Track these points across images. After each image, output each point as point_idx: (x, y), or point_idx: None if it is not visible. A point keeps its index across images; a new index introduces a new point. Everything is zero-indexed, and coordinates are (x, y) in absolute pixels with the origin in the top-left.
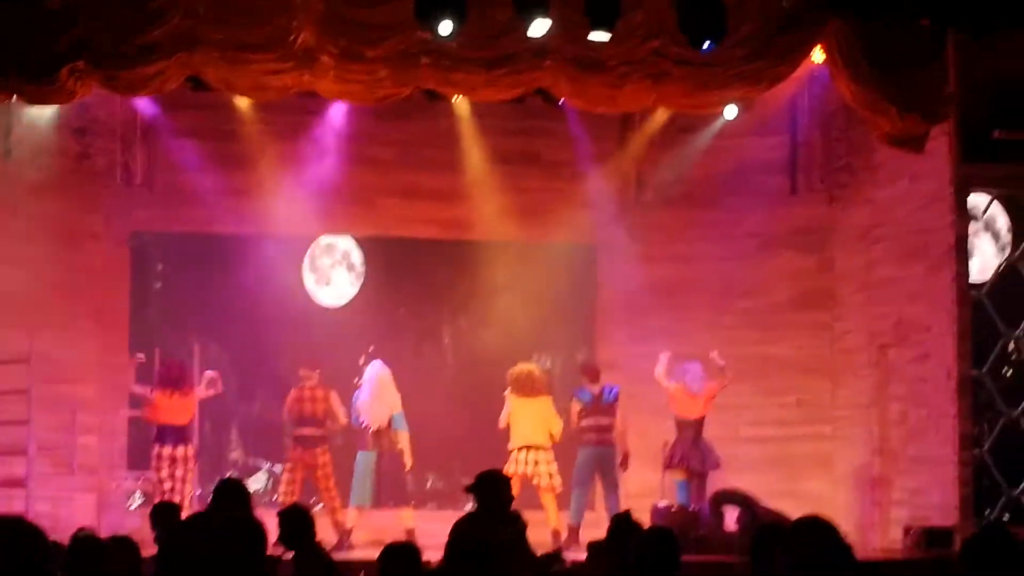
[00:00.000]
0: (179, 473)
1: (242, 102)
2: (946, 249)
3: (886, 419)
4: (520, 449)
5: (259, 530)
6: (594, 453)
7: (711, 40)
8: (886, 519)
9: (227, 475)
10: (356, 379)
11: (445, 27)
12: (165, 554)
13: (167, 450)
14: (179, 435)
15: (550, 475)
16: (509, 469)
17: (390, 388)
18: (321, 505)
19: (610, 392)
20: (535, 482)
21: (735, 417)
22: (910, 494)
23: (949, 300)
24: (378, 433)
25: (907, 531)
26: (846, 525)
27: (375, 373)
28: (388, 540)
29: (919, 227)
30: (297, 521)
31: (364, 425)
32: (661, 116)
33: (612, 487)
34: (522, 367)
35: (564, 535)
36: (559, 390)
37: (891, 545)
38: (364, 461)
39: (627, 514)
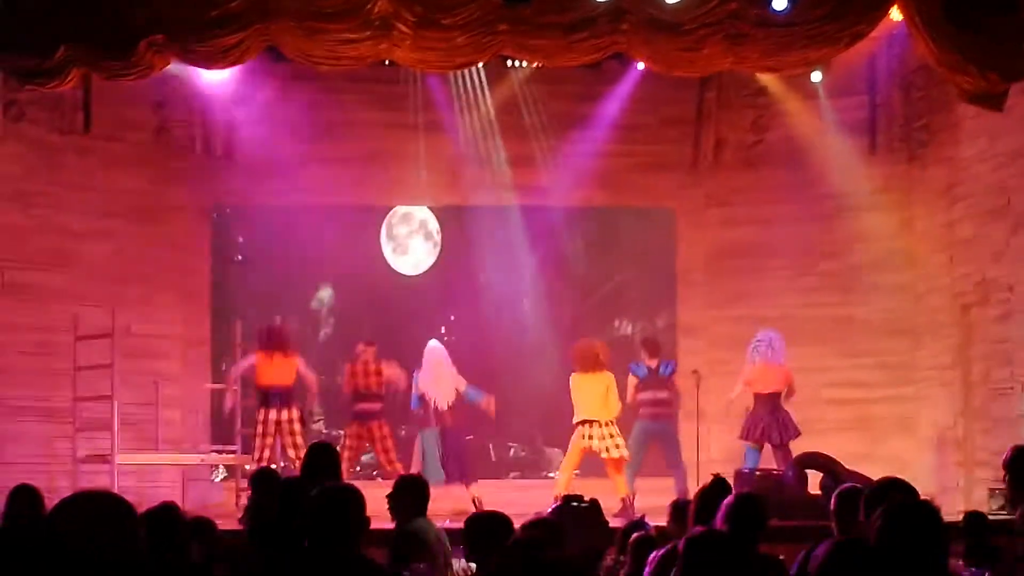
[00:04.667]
0: (287, 440)
1: (321, 72)
2: None
3: (969, 380)
4: (584, 423)
5: (357, 496)
6: (650, 427)
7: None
8: (970, 480)
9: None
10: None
11: None
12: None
13: (272, 414)
14: (283, 398)
15: (616, 446)
16: (577, 444)
17: (447, 372)
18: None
19: (666, 367)
20: (604, 455)
21: (816, 379)
22: (993, 455)
23: None
24: (439, 412)
25: (992, 492)
26: (929, 487)
27: (432, 356)
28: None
29: (1000, 185)
30: (412, 491)
31: (428, 403)
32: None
33: (675, 463)
34: (584, 342)
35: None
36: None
37: (975, 506)
38: (429, 438)
39: (720, 478)
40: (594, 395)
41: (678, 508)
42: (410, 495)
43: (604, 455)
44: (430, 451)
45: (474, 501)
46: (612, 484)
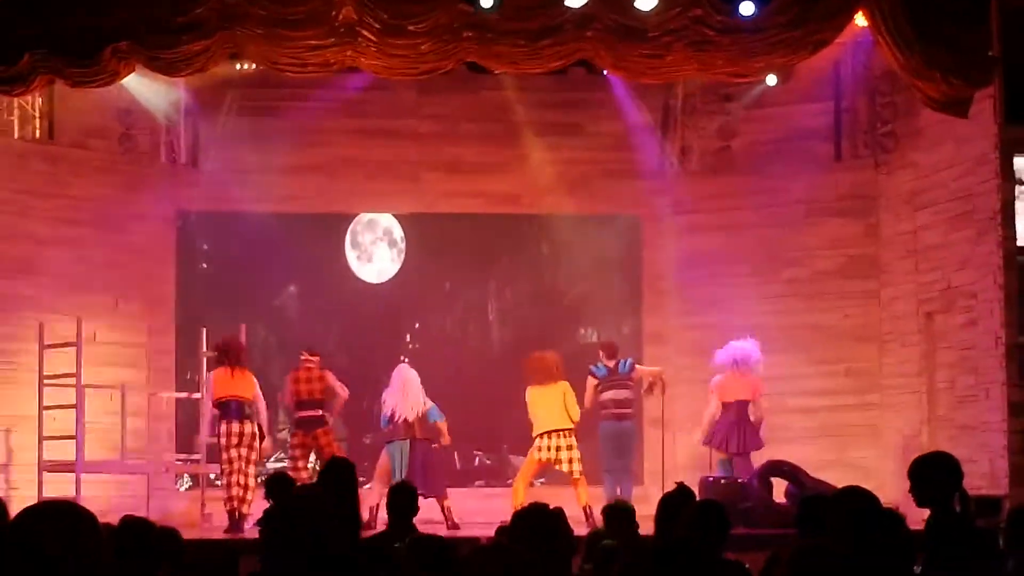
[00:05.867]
0: (243, 452)
1: (285, 79)
2: (992, 213)
3: (934, 387)
4: (542, 435)
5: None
6: (615, 428)
7: (754, 5)
8: None
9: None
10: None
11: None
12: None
13: (235, 426)
14: (241, 411)
15: (571, 460)
16: (532, 456)
17: (416, 388)
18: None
19: (624, 364)
20: (557, 468)
21: (782, 387)
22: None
23: (996, 265)
24: (407, 423)
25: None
26: (895, 494)
27: (401, 374)
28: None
29: (965, 192)
30: (404, 497)
31: (395, 418)
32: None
33: (626, 470)
34: (535, 355)
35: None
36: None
37: None
38: (397, 449)
39: (682, 485)
40: (551, 406)
41: (614, 512)
42: (399, 501)
43: (557, 467)
44: (397, 464)
45: (444, 511)
46: (523, 489)
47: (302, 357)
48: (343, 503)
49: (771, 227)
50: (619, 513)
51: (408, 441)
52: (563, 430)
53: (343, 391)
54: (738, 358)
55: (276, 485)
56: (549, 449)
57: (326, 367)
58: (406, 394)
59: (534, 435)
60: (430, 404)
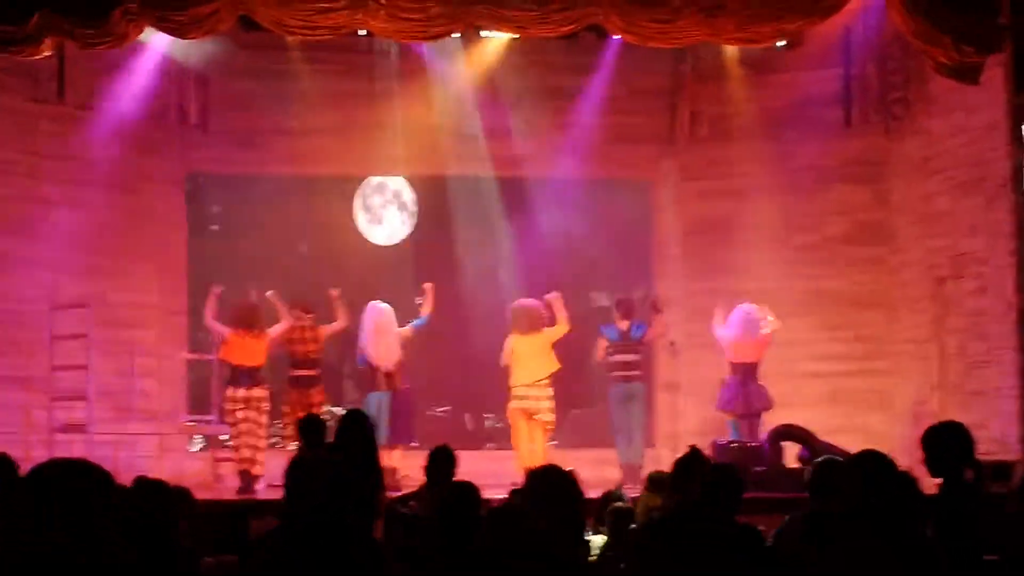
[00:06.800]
0: (252, 415)
1: (295, 42)
2: (1002, 180)
3: (944, 353)
4: (524, 385)
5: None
6: (623, 390)
7: None
8: None
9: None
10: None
11: None
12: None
13: (240, 392)
14: (251, 377)
15: (550, 410)
16: (512, 406)
17: (388, 332)
18: None
19: (637, 329)
20: (536, 417)
21: (792, 353)
22: (969, 428)
23: (1006, 232)
24: (388, 374)
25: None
26: (905, 460)
27: (374, 313)
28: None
29: (975, 158)
30: (444, 458)
31: (371, 366)
32: (716, 50)
33: (636, 431)
34: (520, 303)
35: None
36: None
37: None
38: (376, 401)
39: (695, 449)
40: (532, 357)
41: (655, 482)
42: (438, 461)
43: (537, 416)
44: (372, 414)
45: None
46: (527, 450)
47: (294, 313)
48: (361, 456)
49: (780, 193)
50: (662, 481)
51: (390, 394)
52: (541, 381)
53: (343, 321)
54: (747, 320)
55: (307, 427)
56: (527, 399)
57: (320, 323)
58: (378, 342)
59: (512, 384)
60: (411, 331)
